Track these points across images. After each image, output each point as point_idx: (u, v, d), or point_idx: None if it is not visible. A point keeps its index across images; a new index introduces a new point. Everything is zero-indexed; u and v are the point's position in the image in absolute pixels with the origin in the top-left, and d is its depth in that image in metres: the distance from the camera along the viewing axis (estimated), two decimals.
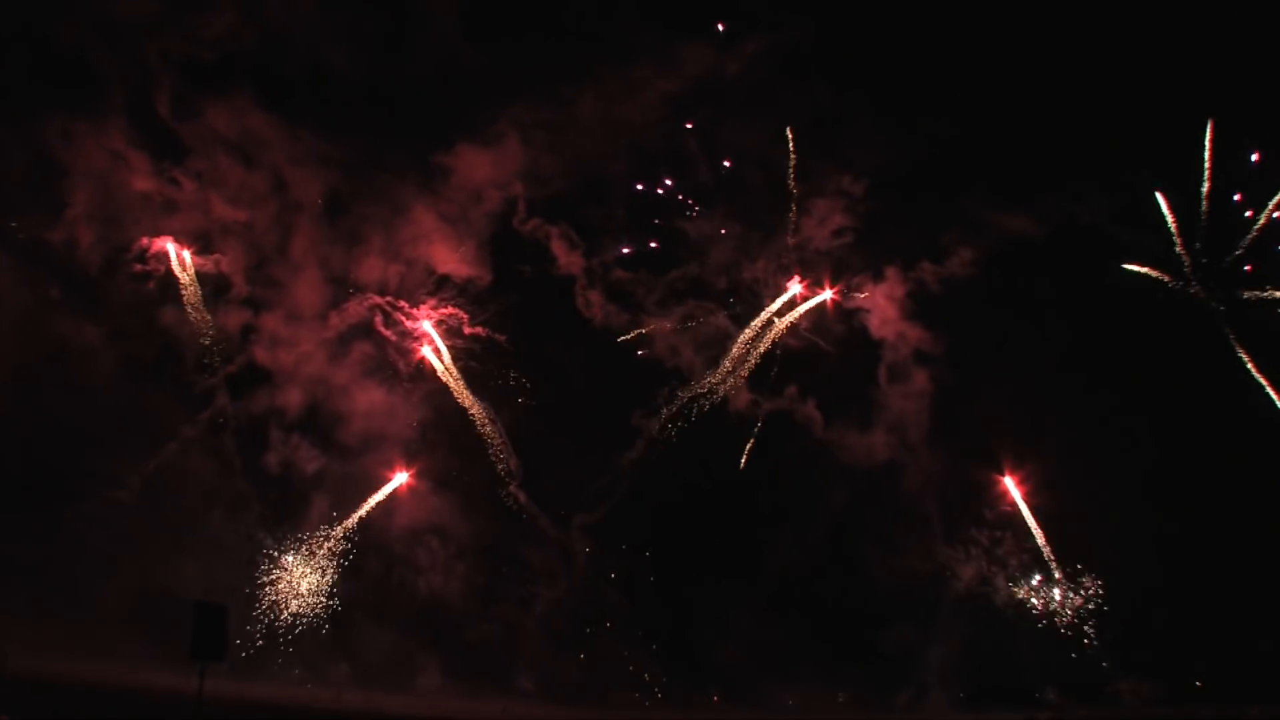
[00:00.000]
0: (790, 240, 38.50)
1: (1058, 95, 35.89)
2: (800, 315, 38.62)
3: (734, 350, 38.80)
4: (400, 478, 37.70)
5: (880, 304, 38.17)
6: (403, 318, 38.44)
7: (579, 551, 38.18)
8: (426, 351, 38.34)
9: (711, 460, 38.80)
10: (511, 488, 38.24)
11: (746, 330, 38.80)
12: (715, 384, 38.78)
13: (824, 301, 38.55)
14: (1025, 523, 36.91)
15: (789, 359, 38.77)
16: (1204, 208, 36.22)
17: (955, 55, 36.35)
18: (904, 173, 37.31)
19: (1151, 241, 36.95)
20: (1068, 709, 35.15)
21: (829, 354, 38.55)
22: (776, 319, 38.59)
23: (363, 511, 37.11)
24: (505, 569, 38.11)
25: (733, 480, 38.36)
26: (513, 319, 38.55)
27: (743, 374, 38.85)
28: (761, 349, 38.66)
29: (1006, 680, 36.17)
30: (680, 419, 38.55)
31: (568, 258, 38.72)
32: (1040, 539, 36.62)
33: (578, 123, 38.01)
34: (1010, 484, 37.26)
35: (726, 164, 38.82)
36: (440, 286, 38.65)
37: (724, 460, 38.50)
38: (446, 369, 38.37)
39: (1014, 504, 37.06)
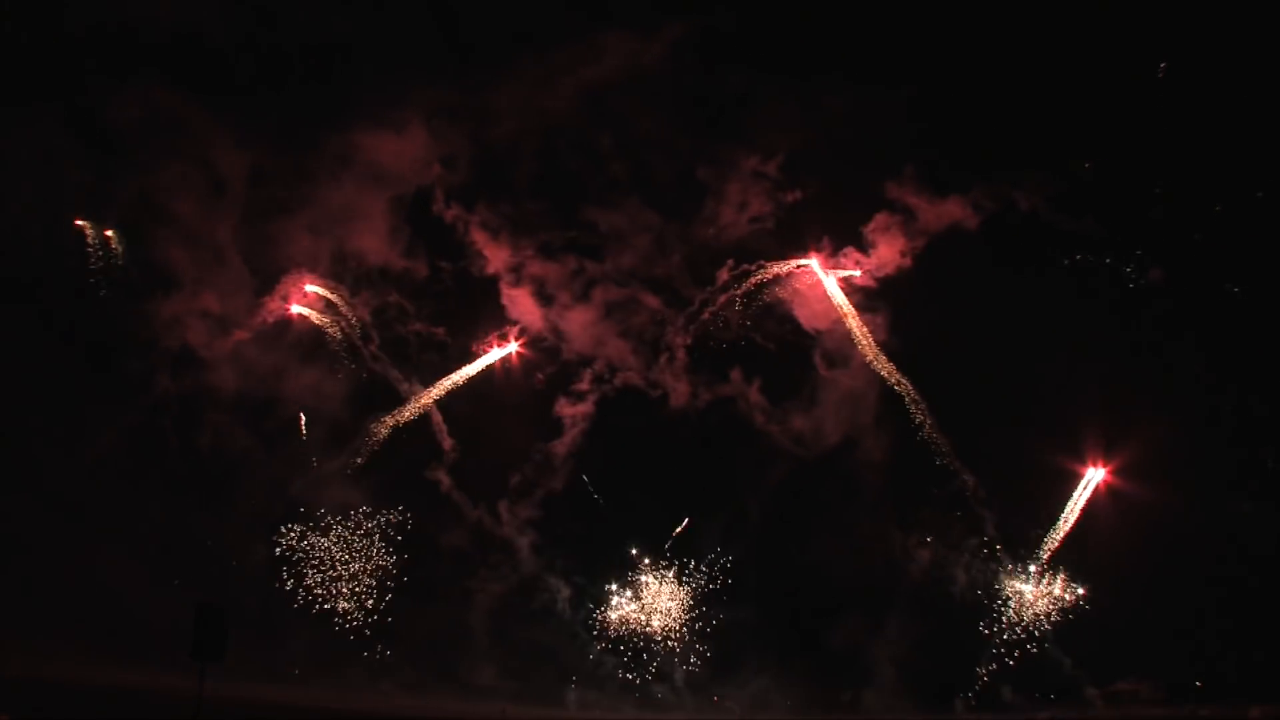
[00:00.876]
0: (709, 232, 38.26)
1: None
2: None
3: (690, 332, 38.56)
4: (510, 347, 37.80)
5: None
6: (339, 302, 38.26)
7: (520, 545, 37.76)
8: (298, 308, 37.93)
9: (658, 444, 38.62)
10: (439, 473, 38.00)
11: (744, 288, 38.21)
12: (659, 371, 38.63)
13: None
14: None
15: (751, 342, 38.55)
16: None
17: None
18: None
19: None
20: (1066, 710, 35.21)
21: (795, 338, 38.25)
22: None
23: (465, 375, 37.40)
24: (441, 561, 37.72)
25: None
26: (444, 310, 38.72)
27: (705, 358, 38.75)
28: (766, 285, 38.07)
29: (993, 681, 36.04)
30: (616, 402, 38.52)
31: (493, 249, 38.49)
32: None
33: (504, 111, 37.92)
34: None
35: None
36: (381, 278, 38.67)
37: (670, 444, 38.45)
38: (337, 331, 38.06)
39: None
